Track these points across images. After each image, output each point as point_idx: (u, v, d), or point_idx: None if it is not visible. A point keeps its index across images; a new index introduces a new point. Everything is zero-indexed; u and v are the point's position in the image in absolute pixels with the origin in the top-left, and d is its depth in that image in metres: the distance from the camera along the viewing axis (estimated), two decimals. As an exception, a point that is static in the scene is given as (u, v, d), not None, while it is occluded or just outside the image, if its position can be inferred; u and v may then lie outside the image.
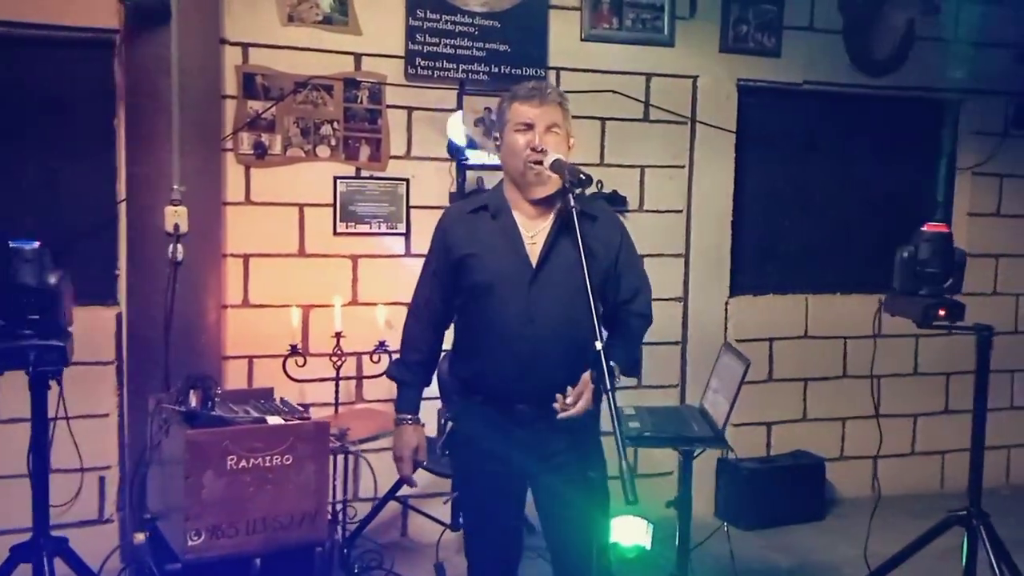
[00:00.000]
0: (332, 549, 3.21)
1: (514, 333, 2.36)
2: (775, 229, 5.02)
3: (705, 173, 4.67)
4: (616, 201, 4.44)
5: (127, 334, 3.74)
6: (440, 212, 4.31)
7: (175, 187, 3.43)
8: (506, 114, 2.45)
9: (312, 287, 4.06)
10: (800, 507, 4.72)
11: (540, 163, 2.36)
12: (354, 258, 4.16)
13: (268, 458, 2.65)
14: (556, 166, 2.35)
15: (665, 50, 4.53)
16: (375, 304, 4.04)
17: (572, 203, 2.28)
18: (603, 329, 2.16)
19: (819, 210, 5.08)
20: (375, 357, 3.89)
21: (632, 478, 1.96)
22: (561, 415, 2.22)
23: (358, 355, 4.04)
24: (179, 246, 3.43)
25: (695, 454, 3.24)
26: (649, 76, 4.56)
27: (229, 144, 3.92)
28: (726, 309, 4.82)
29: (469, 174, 4.06)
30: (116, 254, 3.88)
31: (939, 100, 5.16)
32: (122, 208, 3.80)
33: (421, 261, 2.61)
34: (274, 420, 2.77)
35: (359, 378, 4.14)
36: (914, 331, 5.11)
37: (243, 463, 2.62)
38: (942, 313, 3.03)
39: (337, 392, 3.88)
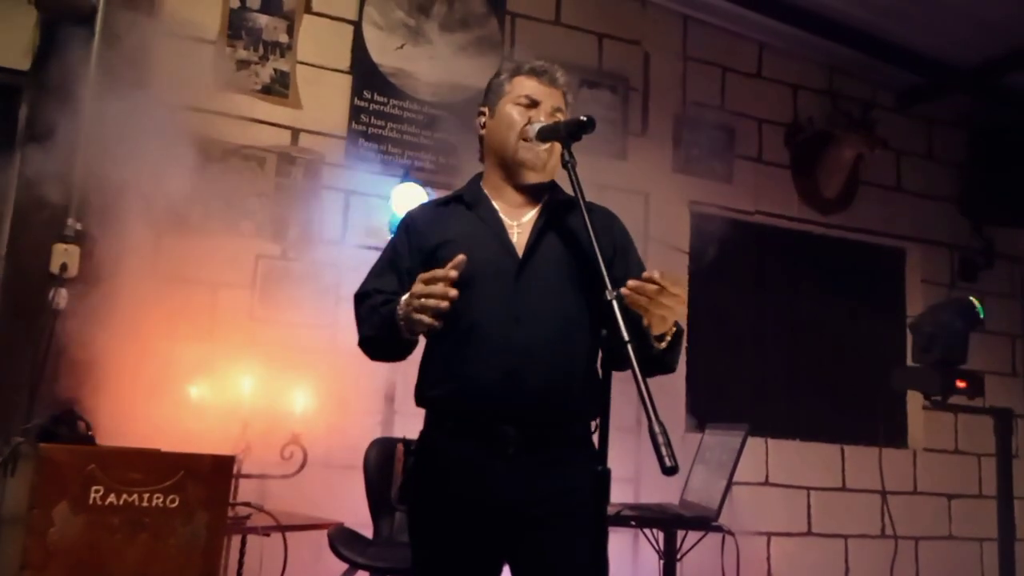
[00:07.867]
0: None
1: (497, 336, 1.89)
2: (727, 362, 4.68)
3: (659, 294, 4.36)
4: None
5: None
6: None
7: (69, 221, 2.93)
8: (504, 86, 2.08)
9: (221, 376, 3.48)
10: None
11: (527, 139, 2.00)
12: (271, 349, 3.63)
13: (147, 496, 2.02)
14: (544, 133, 2.00)
15: (618, 163, 4.36)
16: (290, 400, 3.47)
17: (567, 158, 1.93)
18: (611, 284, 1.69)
19: (772, 348, 4.78)
20: (287, 451, 3.28)
21: (668, 440, 1.46)
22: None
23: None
24: (62, 290, 2.89)
25: (680, 554, 2.69)
26: (601, 187, 4.33)
27: (141, 207, 3.47)
28: (681, 444, 4.34)
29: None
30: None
31: (886, 245, 5.07)
32: None
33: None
34: (159, 460, 2.16)
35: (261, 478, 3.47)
36: (880, 487, 4.80)
37: (111, 499, 1.98)
38: (961, 385, 2.65)
39: (236, 484, 3.21)
